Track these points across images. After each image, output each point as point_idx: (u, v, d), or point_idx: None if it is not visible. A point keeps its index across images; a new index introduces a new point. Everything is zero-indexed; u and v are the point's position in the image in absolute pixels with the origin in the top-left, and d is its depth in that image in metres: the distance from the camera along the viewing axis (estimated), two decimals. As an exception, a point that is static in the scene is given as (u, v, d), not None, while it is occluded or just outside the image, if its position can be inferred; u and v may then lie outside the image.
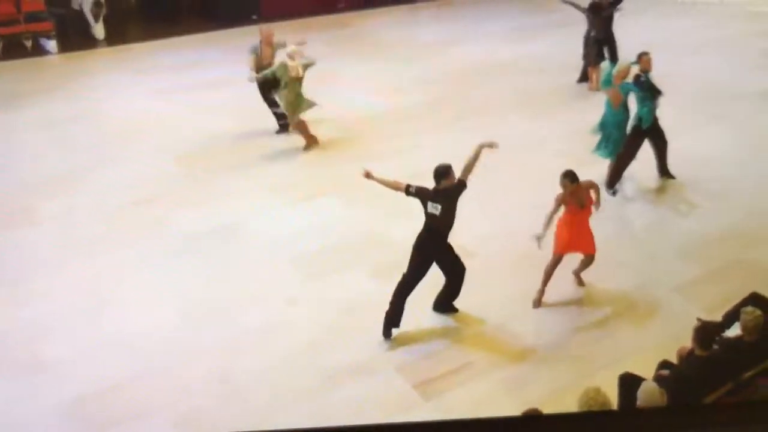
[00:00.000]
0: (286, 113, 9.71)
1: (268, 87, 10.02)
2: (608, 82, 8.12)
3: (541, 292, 6.42)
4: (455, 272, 6.18)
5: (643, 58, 8.09)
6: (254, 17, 15.59)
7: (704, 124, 9.97)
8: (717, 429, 2.49)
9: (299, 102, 9.48)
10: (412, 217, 7.76)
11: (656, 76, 8.14)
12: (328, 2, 16.30)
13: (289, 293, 6.75)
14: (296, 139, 9.90)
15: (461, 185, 6.08)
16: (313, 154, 9.65)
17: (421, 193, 6.03)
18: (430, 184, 8.52)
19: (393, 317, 6.09)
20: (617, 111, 8.06)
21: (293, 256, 7.30)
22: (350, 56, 13.45)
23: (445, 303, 6.35)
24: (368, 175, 6.20)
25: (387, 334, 6.11)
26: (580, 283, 6.64)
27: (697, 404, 4.53)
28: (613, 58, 11.06)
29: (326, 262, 7.17)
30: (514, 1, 16.86)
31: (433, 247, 6.07)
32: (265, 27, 10.63)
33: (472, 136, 9.60)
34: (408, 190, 6.06)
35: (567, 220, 6.34)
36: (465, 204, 7.96)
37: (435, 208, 5.97)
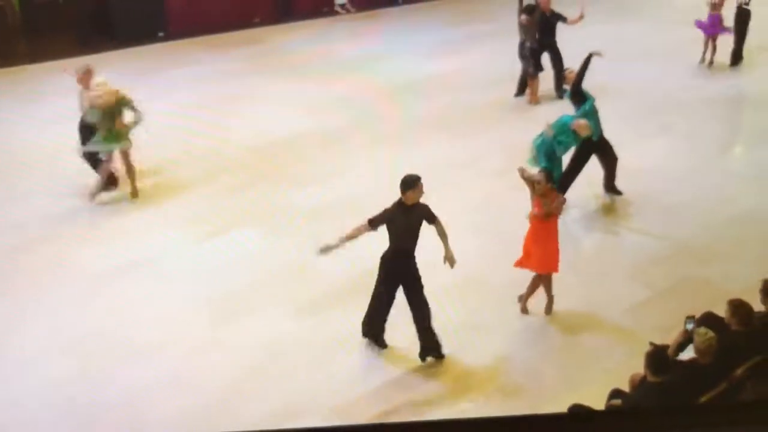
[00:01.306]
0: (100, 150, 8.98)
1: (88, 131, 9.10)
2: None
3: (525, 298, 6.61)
4: (414, 303, 6.10)
5: (566, 74, 8.45)
6: (160, 35, 15.34)
7: (650, 135, 10.30)
8: (717, 429, 2.54)
9: (110, 139, 8.81)
10: (340, 247, 7.74)
11: (598, 86, 8.36)
12: (242, 16, 16.18)
13: (204, 336, 6.57)
14: (210, 167, 9.68)
15: (430, 216, 6.05)
16: (227, 181, 9.43)
17: (385, 218, 6.02)
18: (358, 210, 8.62)
19: (376, 338, 6.22)
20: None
21: (207, 296, 7.12)
22: (267, 74, 13.36)
23: (425, 349, 6.20)
24: (326, 249, 6.09)
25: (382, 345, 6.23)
26: (524, 309, 6.64)
27: (695, 405, 4.65)
28: (557, 68, 11.33)
29: (244, 301, 7.01)
30: (439, 13, 17.14)
31: (397, 269, 6.04)
32: (80, 67, 9.43)
33: (401, 157, 9.85)
34: (372, 225, 6.01)
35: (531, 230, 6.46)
36: None
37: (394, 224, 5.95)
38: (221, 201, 8.99)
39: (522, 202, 6.97)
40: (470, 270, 6.89)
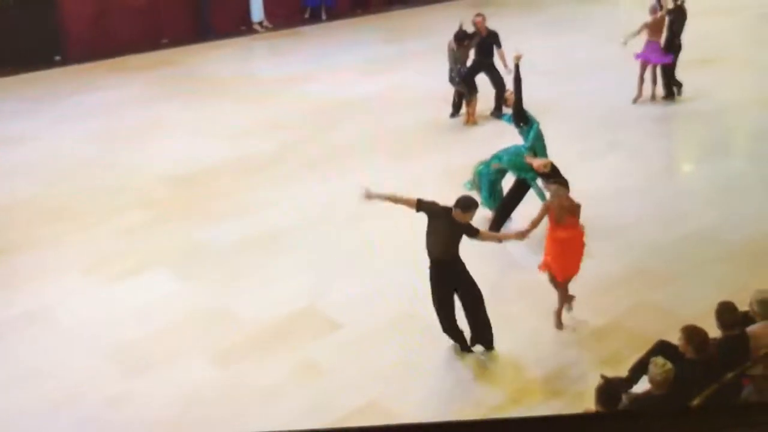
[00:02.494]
0: None
1: None
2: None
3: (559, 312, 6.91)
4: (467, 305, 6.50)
5: (507, 96, 8.63)
6: (57, 58, 15.08)
7: (596, 154, 10.53)
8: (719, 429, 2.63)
9: None
10: (261, 286, 7.68)
11: (540, 103, 8.53)
12: (150, 37, 16.03)
13: (114, 390, 6.42)
14: (118, 202, 9.53)
15: (471, 231, 6.44)
16: (136, 218, 9.26)
17: (431, 209, 6.46)
18: (284, 246, 8.62)
19: (461, 343, 6.55)
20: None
21: (114, 346, 6.94)
22: (179, 99, 13.24)
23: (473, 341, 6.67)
24: (369, 195, 6.52)
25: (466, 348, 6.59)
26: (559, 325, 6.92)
27: (695, 406, 4.82)
28: (498, 88, 11.54)
29: (155, 350, 6.86)
30: (367, 30, 17.35)
31: (444, 278, 6.41)
32: None
33: (333, 184, 9.87)
34: (419, 204, 6.50)
35: (557, 238, 6.76)
36: (328, 264, 8.08)
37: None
38: (130, 240, 8.80)
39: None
40: (405, 306, 6.88)
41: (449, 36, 11.89)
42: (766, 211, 8.92)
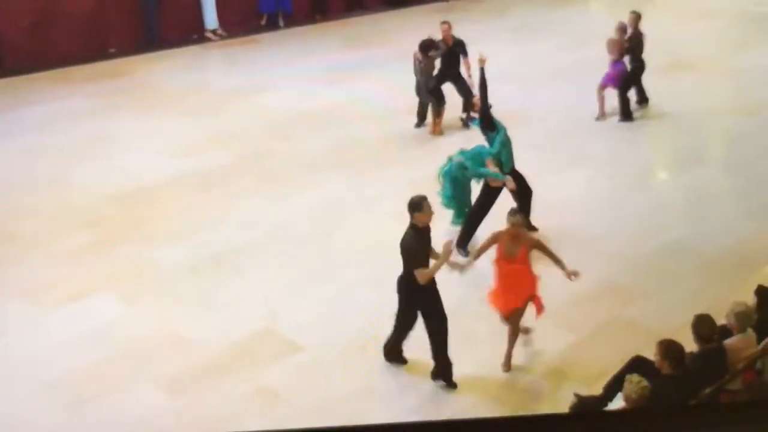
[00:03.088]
0: None
1: None
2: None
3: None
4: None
5: (474, 101, 8.83)
6: (-9, 69, 14.88)
7: (565, 163, 10.68)
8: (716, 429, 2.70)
9: None
10: (215, 308, 7.63)
11: (507, 111, 8.62)
12: (95, 46, 15.88)
13: (53, 426, 6.30)
14: (61, 222, 9.43)
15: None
16: (81, 239, 9.14)
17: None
18: (239, 267, 8.58)
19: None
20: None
21: (57, 376, 6.85)
22: (127, 112, 13.13)
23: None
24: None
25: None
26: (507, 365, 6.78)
27: (695, 406, 4.97)
28: (465, 95, 11.63)
29: (101, 380, 6.77)
30: (327, 37, 17.38)
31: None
32: None
33: (290, 201, 9.86)
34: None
35: (502, 271, 6.70)
36: (286, 284, 8.06)
37: None
38: (75, 262, 8.69)
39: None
40: (367, 327, 6.87)
41: (412, 42, 11.97)
42: (741, 220, 9.12)
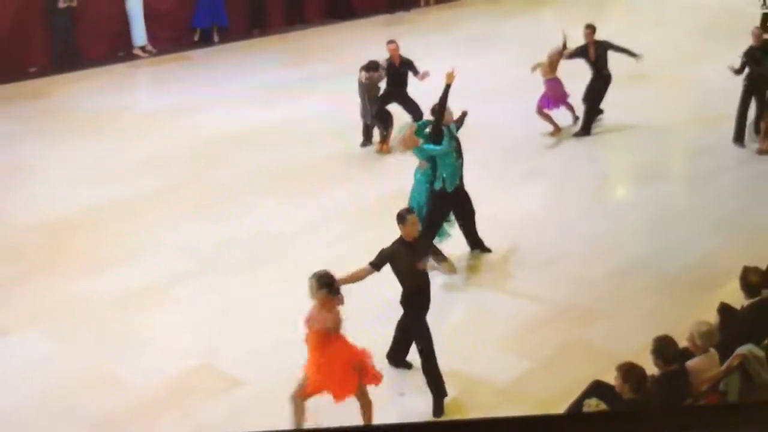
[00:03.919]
0: None
1: None
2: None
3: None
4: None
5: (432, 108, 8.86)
6: None
7: (518, 181, 10.91)
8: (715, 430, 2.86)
9: None
10: (147, 343, 7.61)
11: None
12: (12, 65, 15.72)
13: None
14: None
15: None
16: (2, 274, 9.03)
17: (385, 257, 6.78)
18: (171, 299, 8.56)
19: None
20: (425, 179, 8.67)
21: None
22: (47, 136, 13.01)
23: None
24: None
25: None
26: None
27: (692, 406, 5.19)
28: (415, 115, 11.76)
29: (26, 422, 6.70)
30: (266, 52, 17.43)
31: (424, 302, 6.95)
32: None
33: (227, 226, 9.86)
34: (374, 266, 6.77)
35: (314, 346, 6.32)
36: (223, 315, 8.09)
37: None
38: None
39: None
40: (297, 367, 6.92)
41: (357, 57, 12.15)
42: (702, 237, 9.40)
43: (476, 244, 9.09)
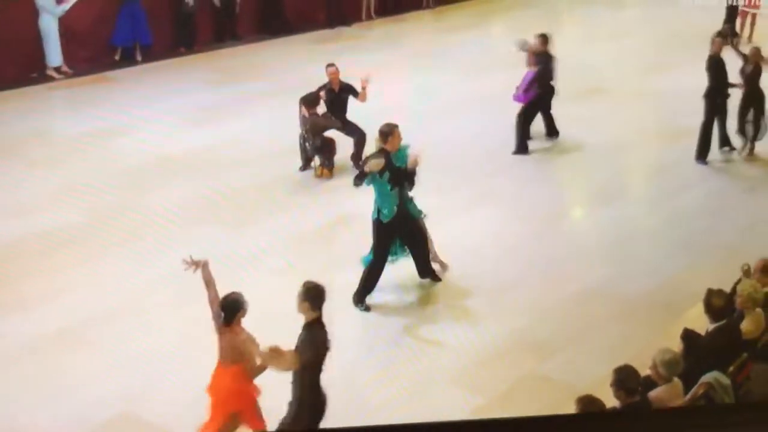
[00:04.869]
0: None
1: None
2: None
3: None
4: None
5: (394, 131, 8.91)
6: None
7: (469, 205, 10.98)
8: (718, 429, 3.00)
9: None
10: (61, 392, 7.48)
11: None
12: None
13: None
14: None
15: None
16: None
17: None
18: (87, 344, 8.42)
19: None
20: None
21: None
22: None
23: None
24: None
25: None
26: None
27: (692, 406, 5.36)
28: (358, 139, 11.95)
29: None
30: (195, 70, 17.35)
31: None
32: None
33: (152, 261, 9.74)
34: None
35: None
36: (142, 362, 7.93)
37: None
38: None
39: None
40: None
41: (293, 75, 12.20)
42: (665, 259, 9.54)
43: (426, 273, 9.15)
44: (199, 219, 10.88)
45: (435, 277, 9.18)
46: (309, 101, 11.87)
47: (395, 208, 8.75)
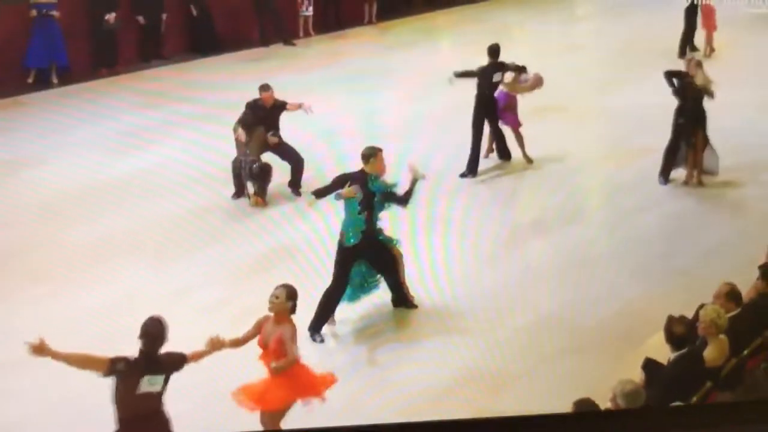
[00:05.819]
0: None
1: None
2: None
3: None
4: None
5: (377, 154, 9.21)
6: None
7: (415, 232, 10.91)
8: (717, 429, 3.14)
9: None
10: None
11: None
12: None
13: None
14: None
15: None
16: None
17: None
18: (6, 385, 8.26)
19: None
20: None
21: None
22: None
23: None
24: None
25: None
26: None
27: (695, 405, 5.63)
28: (294, 163, 12.01)
29: None
30: (116, 93, 17.04)
31: None
32: None
33: (71, 299, 9.67)
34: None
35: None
36: (58, 413, 7.92)
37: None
38: None
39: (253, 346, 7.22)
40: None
41: (224, 97, 12.18)
42: (623, 284, 9.66)
43: (399, 301, 9.33)
44: (123, 252, 10.82)
45: (410, 304, 9.34)
46: (246, 123, 11.90)
47: (361, 233, 8.91)
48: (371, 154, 9.11)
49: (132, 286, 9.99)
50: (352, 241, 8.95)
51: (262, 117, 12.12)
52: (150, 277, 10.21)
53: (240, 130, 11.96)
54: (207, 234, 11.24)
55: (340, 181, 9.09)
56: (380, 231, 9.28)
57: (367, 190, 8.96)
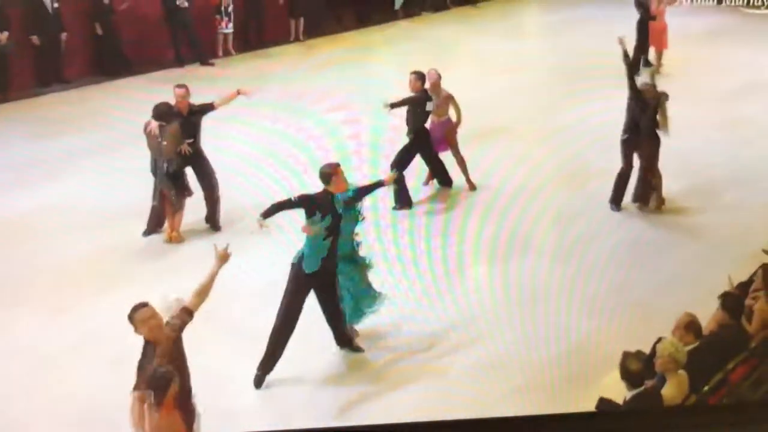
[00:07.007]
0: None
1: None
2: None
3: None
4: None
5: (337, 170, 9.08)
6: None
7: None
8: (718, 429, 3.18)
9: None
10: None
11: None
12: None
13: None
14: None
15: None
16: None
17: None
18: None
19: None
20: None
21: None
22: None
23: None
24: None
25: None
26: None
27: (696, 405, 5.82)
28: (208, 188, 12.03)
29: None
30: (7, 122, 16.98)
31: None
32: None
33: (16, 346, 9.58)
34: None
35: None
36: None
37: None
38: None
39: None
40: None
41: (132, 124, 12.06)
42: (576, 320, 9.76)
43: (344, 342, 9.36)
44: (17, 299, 10.73)
45: (355, 348, 9.38)
46: (160, 115, 11.64)
47: (321, 260, 8.82)
48: (331, 173, 8.84)
49: (19, 339, 9.87)
50: (311, 269, 8.81)
51: (179, 125, 11.81)
52: (39, 330, 10.09)
53: (153, 123, 11.64)
54: (108, 279, 11.13)
55: (304, 203, 8.83)
56: (355, 252, 9.40)
57: (336, 212, 8.85)
